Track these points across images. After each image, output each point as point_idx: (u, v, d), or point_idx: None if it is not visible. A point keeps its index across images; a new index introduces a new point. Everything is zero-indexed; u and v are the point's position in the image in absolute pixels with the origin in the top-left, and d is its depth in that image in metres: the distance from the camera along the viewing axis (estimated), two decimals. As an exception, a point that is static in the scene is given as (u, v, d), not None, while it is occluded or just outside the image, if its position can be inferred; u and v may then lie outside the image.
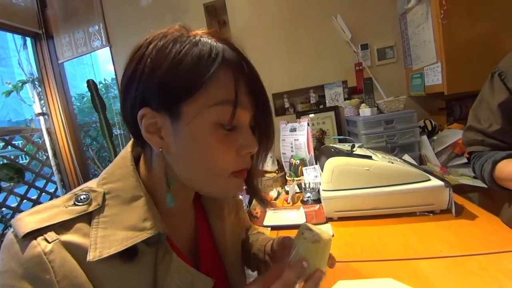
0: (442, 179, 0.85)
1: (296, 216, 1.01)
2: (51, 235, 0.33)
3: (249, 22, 1.78)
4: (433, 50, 1.30)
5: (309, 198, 1.13)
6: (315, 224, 0.91)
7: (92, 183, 0.40)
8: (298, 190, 1.26)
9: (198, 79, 0.34)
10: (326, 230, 0.43)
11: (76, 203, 0.36)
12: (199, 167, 0.38)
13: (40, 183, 2.13)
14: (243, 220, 0.61)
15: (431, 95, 1.43)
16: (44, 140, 2.16)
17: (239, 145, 0.38)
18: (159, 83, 0.35)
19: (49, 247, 0.32)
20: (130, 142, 0.43)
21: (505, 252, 0.63)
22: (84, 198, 0.37)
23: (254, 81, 0.38)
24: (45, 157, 2.22)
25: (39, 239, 0.32)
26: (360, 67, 1.65)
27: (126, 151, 0.42)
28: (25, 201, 2.01)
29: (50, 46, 2.13)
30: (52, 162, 2.17)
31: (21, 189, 2.00)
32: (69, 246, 0.33)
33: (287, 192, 1.29)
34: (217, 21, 1.86)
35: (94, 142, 2.79)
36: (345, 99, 1.71)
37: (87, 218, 0.35)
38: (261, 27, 1.77)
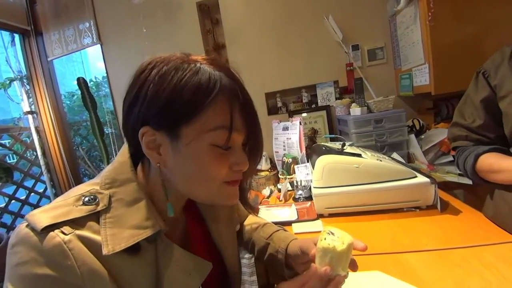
0: (428, 176, 0.88)
1: (288, 213, 1.03)
2: (67, 229, 0.36)
3: (242, 21, 1.79)
4: (421, 51, 1.34)
5: (301, 196, 1.15)
6: (306, 221, 0.93)
7: (94, 185, 0.42)
8: (290, 188, 1.28)
9: (196, 106, 0.38)
10: (346, 233, 0.45)
11: (85, 202, 0.39)
12: (195, 180, 0.42)
13: (29, 183, 2.09)
14: (236, 215, 0.64)
15: (419, 95, 1.47)
16: (32, 139, 2.12)
17: (232, 162, 0.43)
18: (161, 107, 0.38)
19: (67, 237, 0.35)
20: (126, 147, 0.46)
21: (487, 245, 0.66)
22: (92, 199, 0.40)
23: (248, 106, 0.42)
24: (34, 157, 2.18)
25: (57, 231, 0.35)
26: (351, 67, 1.68)
27: (123, 156, 0.45)
28: (13, 201, 1.97)
29: (39, 43, 2.09)
30: (41, 162, 2.13)
31: (9, 189, 1.96)
32: (83, 240, 0.36)
33: (279, 190, 1.31)
34: (210, 19, 1.86)
35: (85, 141, 2.75)
36: (336, 99, 1.73)
37: (96, 217, 0.39)
38: (254, 26, 1.78)
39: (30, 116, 2.10)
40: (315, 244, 0.47)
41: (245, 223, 0.73)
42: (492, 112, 0.78)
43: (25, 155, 2.09)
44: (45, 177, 2.16)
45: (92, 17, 1.95)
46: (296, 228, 0.89)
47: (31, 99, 2.13)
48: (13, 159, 2.15)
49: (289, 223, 0.92)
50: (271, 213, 1.07)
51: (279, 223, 0.72)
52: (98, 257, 0.36)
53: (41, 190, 2.18)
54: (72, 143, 2.39)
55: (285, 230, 0.68)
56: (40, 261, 0.34)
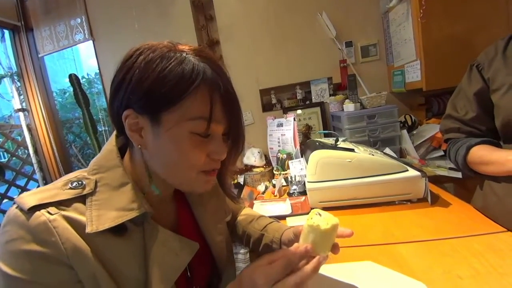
0: (418, 170, 0.89)
1: (282, 207, 1.04)
2: (53, 209, 0.38)
3: (236, 18, 1.79)
4: (412, 48, 1.35)
5: (295, 191, 1.16)
6: (300, 215, 0.95)
7: (82, 172, 0.45)
8: (284, 184, 1.29)
9: (178, 95, 0.39)
10: (333, 216, 0.46)
11: (72, 187, 0.42)
12: (172, 165, 0.43)
13: (21, 182, 2.06)
14: (225, 204, 0.65)
15: (411, 91, 1.49)
16: (24, 137, 2.09)
17: (211, 151, 0.44)
18: (144, 93, 0.40)
19: (52, 217, 0.37)
20: (113, 135, 0.48)
21: (475, 236, 0.68)
22: (78, 184, 0.42)
23: (229, 98, 0.43)
24: (25, 155, 2.15)
25: (43, 211, 0.37)
26: (345, 64, 1.70)
27: (111, 144, 0.47)
28: (5, 200, 1.94)
29: (30, 39, 2.05)
30: (33, 160, 2.10)
31: (1, 188, 1.93)
32: (68, 219, 0.38)
33: (274, 186, 1.31)
34: (203, 15, 1.85)
35: (77, 139, 2.72)
36: (330, 95, 1.75)
37: (82, 199, 0.41)
38: (248, 23, 1.78)
39: (21, 114, 2.06)
40: None
41: (239, 217, 0.74)
42: (484, 105, 0.79)
43: (16, 153, 2.06)
44: (37, 176, 2.13)
45: (84, 13, 1.92)
46: (290, 222, 0.91)
47: (22, 96, 2.09)
48: (5, 157, 2.12)
49: (283, 217, 0.93)
50: (265, 208, 1.07)
51: (273, 217, 0.73)
52: (82, 236, 0.38)
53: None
54: (65, 141, 2.35)
55: (278, 222, 0.69)
56: (28, 238, 0.36)
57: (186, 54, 0.41)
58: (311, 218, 0.45)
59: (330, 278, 0.57)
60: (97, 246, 0.39)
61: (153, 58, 0.40)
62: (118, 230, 0.40)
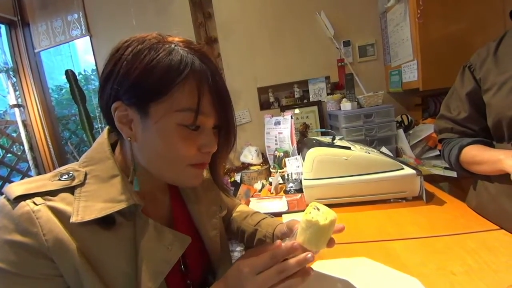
0: (414, 168, 0.90)
1: (278, 205, 1.04)
2: (38, 200, 0.38)
3: (234, 15, 1.78)
4: (410, 48, 1.36)
5: (291, 188, 1.16)
6: (296, 212, 0.95)
7: (73, 165, 0.45)
8: (281, 181, 1.29)
9: (165, 87, 0.39)
10: (332, 210, 0.46)
11: (61, 178, 0.41)
12: (161, 158, 0.43)
13: (16, 178, 2.05)
14: (220, 199, 0.64)
15: (408, 91, 1.50)
16: (19, 133, 2.07)
17: (200, 143, 0.43)
18: (132, 84, 0.39)
19: (36, 207, 0.37)
20: (106, 129, 0.49)
21: (469, 233, 0.69)
22: (68, 176, 0.42)
23: (218, 91, 0.43)
24: (20, 151, 2.13)
25: (28, 201, 0.37)
26: (342, 63, 1.70)
27: (102, 137, 0.47)
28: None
29: (26, 34, 2.03)
30: (29, 156, 2.08)
31: (-5, 184, 1.92)
32: (53, 210, 0.38)
33: (271, 184, 1.32)
34: (202, 12, 1.85)
35: (74, 136, 2.69)
36: (327, 94, 1.75)
37: (70, 190, 0.41)
38: (246, 20, 1.78)
39: (16, 109, 2.04)
40: None
41: (234, 213, 0.74)
42: (476, 105, 0.80)
43: (11, 149, 2.04)
44: (32, 173, 2.11)
45: (81, 8, 1.91)
46: (287, 219, 0.90)
47: (17, 92, 2.07)
48: (-1, 153, 2.10)
49: (279, 214, 0.94)
50: (262, 205, 1.08)
51: (269, 214, 0.73)
52: (67, 228, 0.38)
53: (28, 186, 2.13)
54: (61, 138, 2.34)
55: (272, 218, 0.69)
56: (11, 227, 0.36)
57: (175, 45, 0.40)
58: (309, 213, 0.44)
59: (323, 274, 0.57)
60: (82, 238, 0.38)
61: (141, 50, 0.39)
62: (106, 223, 0.40)
